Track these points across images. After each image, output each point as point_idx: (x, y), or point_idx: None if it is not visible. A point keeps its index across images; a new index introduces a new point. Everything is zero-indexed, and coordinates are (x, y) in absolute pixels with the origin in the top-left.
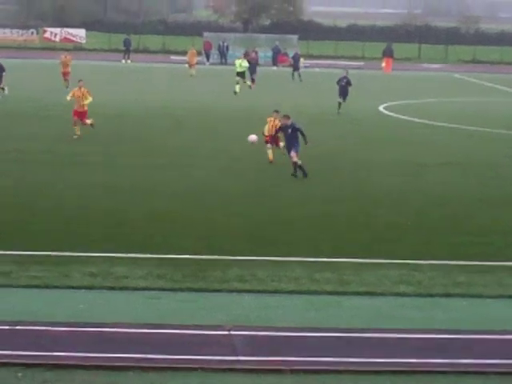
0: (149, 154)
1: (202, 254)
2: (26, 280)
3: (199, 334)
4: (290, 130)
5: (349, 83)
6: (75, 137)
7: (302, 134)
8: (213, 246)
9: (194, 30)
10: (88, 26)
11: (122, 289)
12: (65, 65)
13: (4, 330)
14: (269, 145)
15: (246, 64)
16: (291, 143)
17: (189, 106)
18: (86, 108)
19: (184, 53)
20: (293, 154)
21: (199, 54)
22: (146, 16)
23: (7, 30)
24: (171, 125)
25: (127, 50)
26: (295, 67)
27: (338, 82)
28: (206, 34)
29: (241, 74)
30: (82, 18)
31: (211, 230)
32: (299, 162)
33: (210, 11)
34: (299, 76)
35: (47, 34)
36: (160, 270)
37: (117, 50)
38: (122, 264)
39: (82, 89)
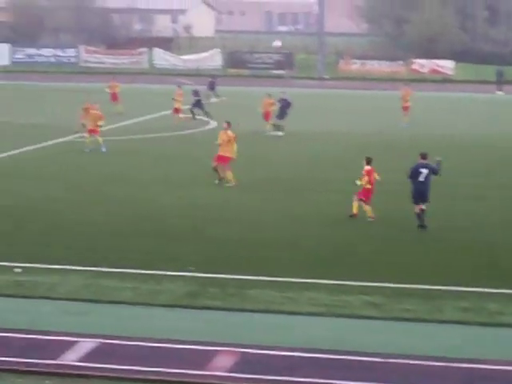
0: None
1: None
2: (399, 313)
3: None
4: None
5: None
6: (222, 183)
7: (435, 172)
8: None
9: None
10: (456, 56)
11: (496, 325)
12: (404, 100)
13: (375, 362)
14: (356, 197)
15: None
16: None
17: None
18: (229, 155)
19: None
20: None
21: None
22: None
23: (375, 62)
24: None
25: (499, 81)
26: None
27: None
28: None
29: None
30: (451, 49)
31: None
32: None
33: None
34: None
35: (415, 66)
36: None
37: (485, 82)
38: (496, 300)
39: (229, 132)
